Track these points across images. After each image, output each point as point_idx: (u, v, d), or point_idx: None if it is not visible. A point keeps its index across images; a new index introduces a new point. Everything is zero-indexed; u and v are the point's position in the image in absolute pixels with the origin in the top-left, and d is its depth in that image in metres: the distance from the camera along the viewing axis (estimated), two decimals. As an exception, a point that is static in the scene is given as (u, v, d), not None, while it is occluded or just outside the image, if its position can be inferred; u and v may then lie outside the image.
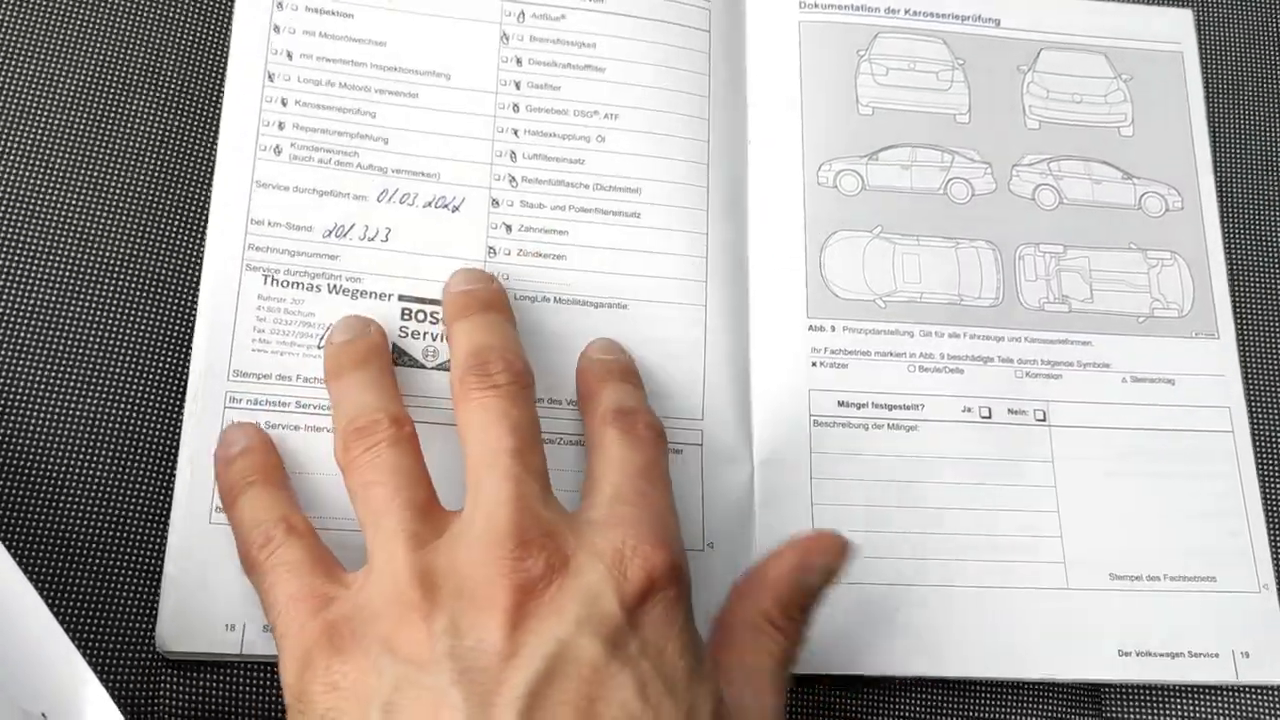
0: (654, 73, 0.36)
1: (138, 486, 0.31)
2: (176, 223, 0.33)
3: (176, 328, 0.32)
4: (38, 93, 0.33)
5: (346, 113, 0.34)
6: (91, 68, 0.34)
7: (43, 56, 0.34)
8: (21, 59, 0.33)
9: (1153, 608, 0.34)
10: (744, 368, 0.35)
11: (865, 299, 0.36)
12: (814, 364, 0.35)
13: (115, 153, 0.33)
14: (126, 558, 0.30)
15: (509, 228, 0.34)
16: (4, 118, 0.33)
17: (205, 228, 0.33)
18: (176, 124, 0.34)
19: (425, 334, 0.33)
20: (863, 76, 0.39)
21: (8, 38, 0.34)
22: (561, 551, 0.26)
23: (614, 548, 0.26)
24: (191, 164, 0.34)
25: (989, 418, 0.36)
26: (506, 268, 0.33)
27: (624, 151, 0.35)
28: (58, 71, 0.34)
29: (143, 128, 0.34)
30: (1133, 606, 0.34)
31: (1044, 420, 0.36)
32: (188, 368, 0.32)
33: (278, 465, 0.30)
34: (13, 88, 0.33)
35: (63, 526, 0.30)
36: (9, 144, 0.33)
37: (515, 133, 0.35)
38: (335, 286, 0.32)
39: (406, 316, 0.33)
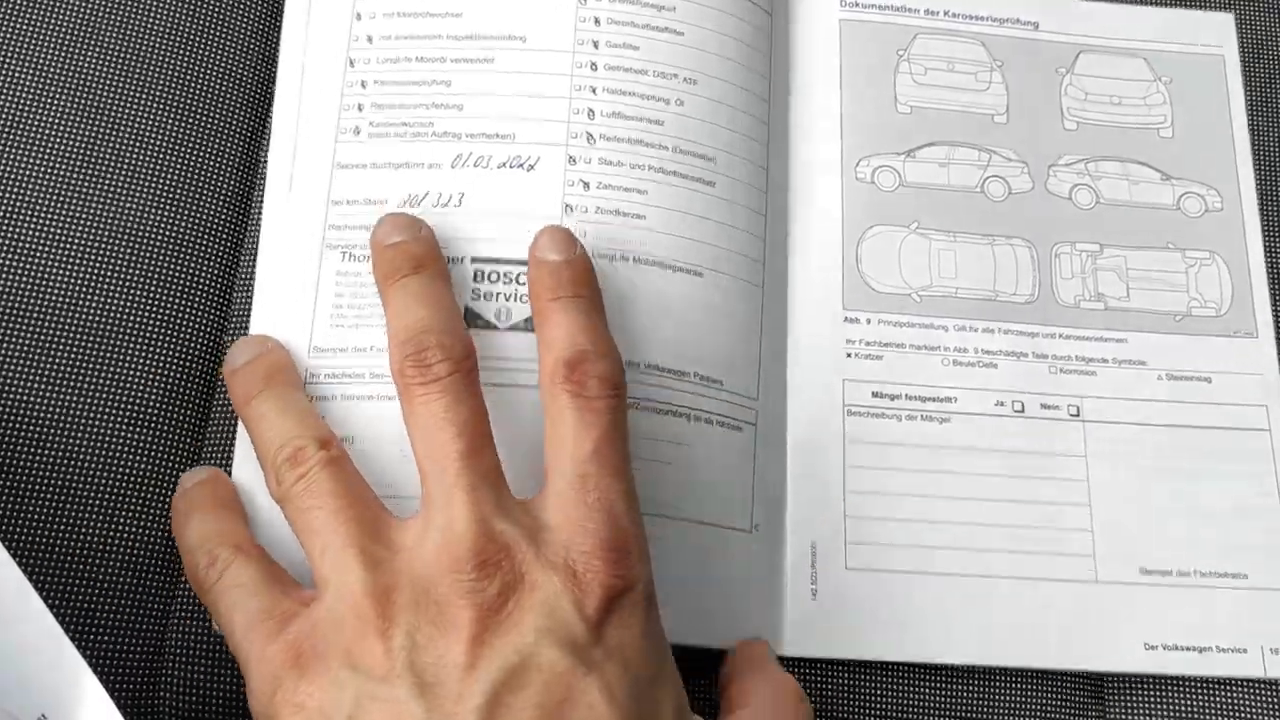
0: (731, 44, 0.36)
1: (147, 484, 0.31)
2: (210, 219, 0.34)
3: (208, 318, 0.33)
4: (80, 85, 0.35)
5: (422, 85, 0.34)
6: (103, 72, 0.35)
7: (97, 47, 0.35)
8: (65, 48, 0.34)
9: (1182, 603, 0.35)
10: (784, 353, 0.36)
11: (901, 293, 0.37)
12: (849, 355, 0.36)
13: (147, 143, 0.34)
14: (129, 555, 0.31)
15: (586, 185, 0.34)
16: (35, 107, 0.34)
17: (244, 222, 0.34)
18: (217, 114, 0.35)
19: (498, 295, 0.32)
20: (901, 76, 0.39)
21: (56, 22, 0.35)
22: (517, 569, 0.25)
23: (565, 561, 0.26)
24: (229, 155, 0.35)
25: (1022, 412, 0.36)
26: (585, 225, 0.33)
27: (701, 118, 0.35)
28: (90, 68, 0.35)
29: (181, 121, 0.35)
30: (1162, 601, 0.35)
31: (1078, 415, 0.36)
32: (218, 359, 0.33)
33: (231, 494, 0.30)
34: (49, 77, 0.34)
35: (64, 524, 0.30)
36: (43, 130, 0.33)
37: (593, 90, 0.34)
38: None
39: (479, 279, 0.32)
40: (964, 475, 0.35)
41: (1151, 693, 0.35)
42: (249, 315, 0.34)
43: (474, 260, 0.33)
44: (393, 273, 0.30)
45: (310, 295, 0.33)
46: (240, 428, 0.31)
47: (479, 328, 0.32)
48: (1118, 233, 0.39)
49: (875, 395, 0.36)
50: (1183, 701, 0.35)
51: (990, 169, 0.39)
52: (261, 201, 0.35)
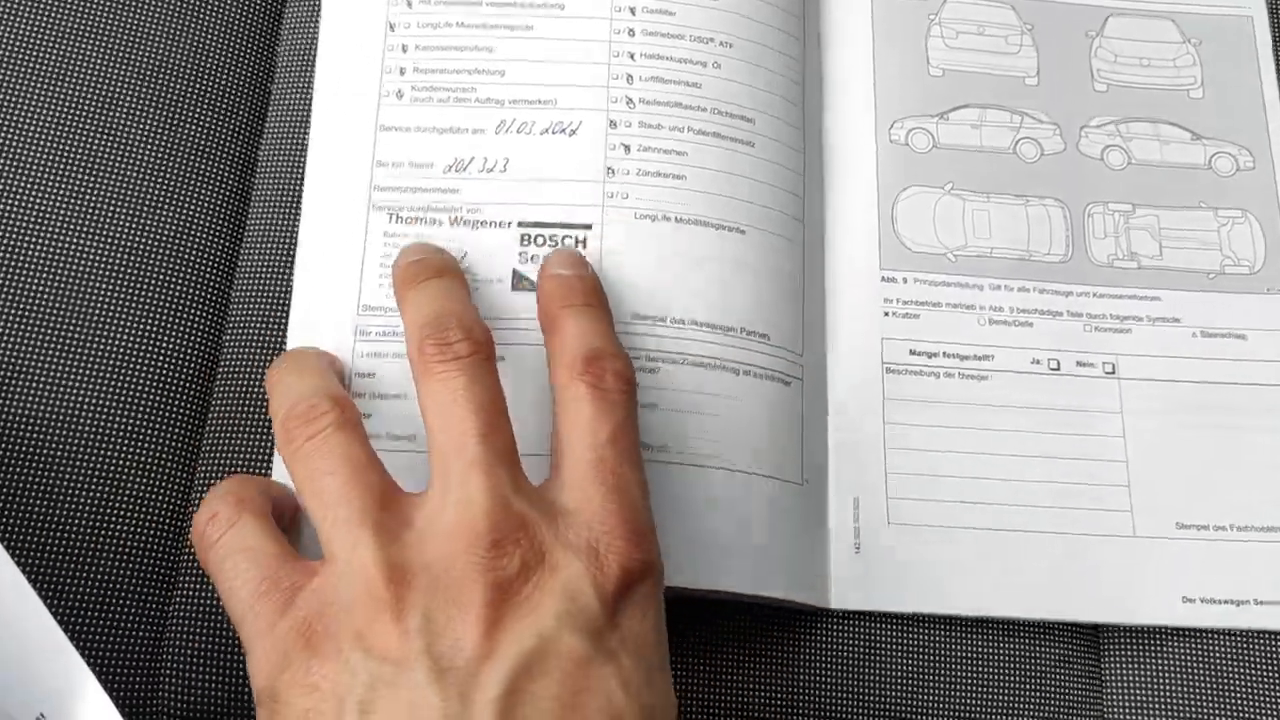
0: (764, 8, 0.37)
1: (145, 484, 0.31)
2: (207, 219, 0.34)
3: (206, 319, 0.33)
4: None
5: (464, 50, 0.35)
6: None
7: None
8: (64, 44, 0.34)
9: (1219, 556, 0.35)
10: (823, 311, 0.36)
11: (936, 252, 0.37)
12: (886, 313, 0.36)
13: (144, 143, 0.34)
14: (127, 555, 0.31)
15: (627, 148, 0.34)
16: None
17: (242, 221, 0.34)
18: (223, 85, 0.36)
19: (544, 258, 0.33)
20: (933, 39, 0.40)
21: (55, 20, 0.34)
22: (537, 548, 0.25)
23: (588, 542, 0.26)
24: (227, 154, 0.35)
25: (1058, 369, 0.36)
26: (626, 187, 0.34)
27: (739, 80, 0.36)
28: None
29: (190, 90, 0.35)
30: (1199, 554, 0.35)
31: (1113, 373, 0.37)
32: (216, 359, 0.33)
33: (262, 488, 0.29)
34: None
35: (62, 523, 0.30)
36: (38, 129, 0.33)
37: (632, 56, 0.35)
38: (456, 219, 0.33)
39: (525, 242, 0.33)
40: (1002, 432, 0.35)
41: (1146, 645, 0.35)
42: (247, 315, 0.34)
43: (520, 225, 0.33)
44: (411, 279, 0.30)
45: (357, 255, 0.33)
46: None
47: (525, 289, 0.33)
48: (1150, 192, 0.39)
49: (913, 353, 0.36)
50: (1175, 654, 0.35)
51: (1022, 131, 0.39)
52: (257, 201, 0.35)
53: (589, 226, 0.34)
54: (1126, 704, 0.35)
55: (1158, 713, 0.34)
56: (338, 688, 0.24)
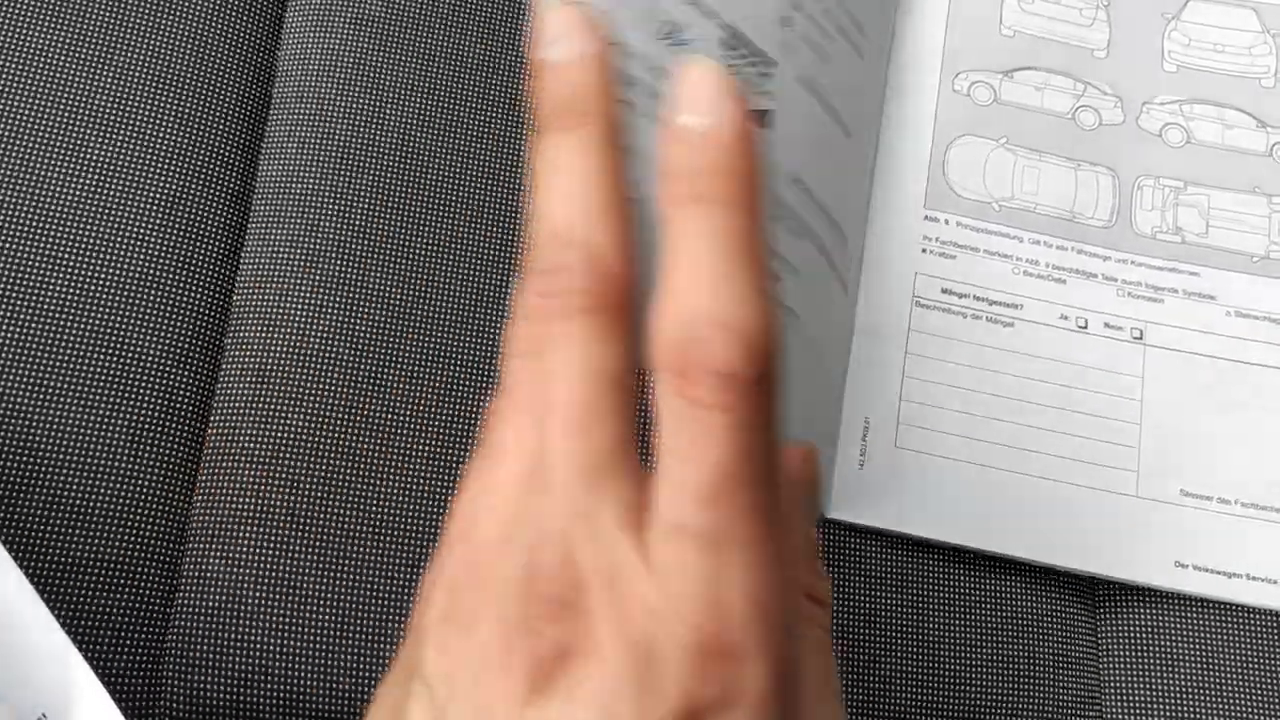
0: None
1: (147, 483, 0.31)
2: (209, 216, 0.34)
3: (206, 318, 0.33)
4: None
5: None
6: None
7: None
8: (64, 36, 0.34)
9: (1219, 528, 0.36)
10: (862, 235, 0.38)
11: (982, 200, 0.38)
12: (924, 250, 0.38)
13: (144, 144, 0.34)
14: (129, 555, 0.30)
15: (799, 6, 0.32)
16: None
17: (244, 221, 0.34)
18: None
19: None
20: (1009, 2, 0.41)
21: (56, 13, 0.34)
22: (583, 622, 0.18)
23: (646, 635, 0.18)
24: (228, 157, 0.34)
25: (1085, 328, 0.37)
26: (797, 41, 0.31)
27: None
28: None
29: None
30: (1199, 523, 0.36)
31: (1140, 339, 0.37)
32: (217, 358, 0.33)
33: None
34: None
35: (64, 524, 0.30)
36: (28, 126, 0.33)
37: None
38: None
39: None
40: (1019, 379, 0.37)
41: (1143, 603, 0.36)
42: (248, 314, 0.33)
43: None
44: (545, 121, 0.21)
45: None
46: None
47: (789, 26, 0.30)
48: (1204, 172, 0.39)
49: (944, 291, 0.37)
50: (1169, 615, 0.36)
51: (1084, 99, 0.40)
52: (258, 201, 0.35)
53: (775, 64, 0.30)
54: (1122, 662, 0.36)
55: (1154, 674, 0.35)
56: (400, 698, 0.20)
